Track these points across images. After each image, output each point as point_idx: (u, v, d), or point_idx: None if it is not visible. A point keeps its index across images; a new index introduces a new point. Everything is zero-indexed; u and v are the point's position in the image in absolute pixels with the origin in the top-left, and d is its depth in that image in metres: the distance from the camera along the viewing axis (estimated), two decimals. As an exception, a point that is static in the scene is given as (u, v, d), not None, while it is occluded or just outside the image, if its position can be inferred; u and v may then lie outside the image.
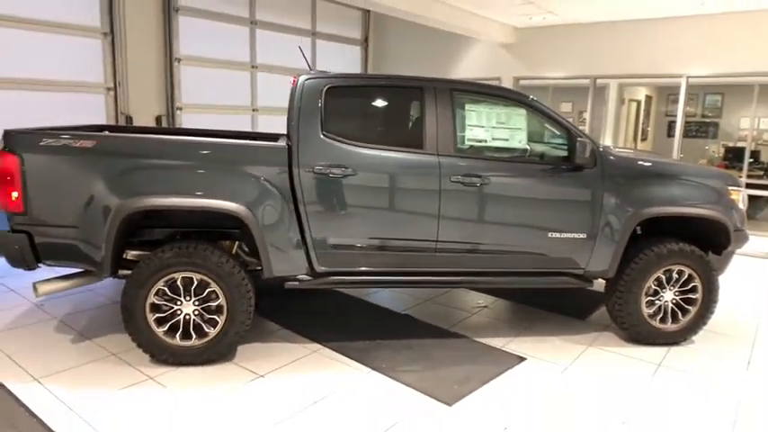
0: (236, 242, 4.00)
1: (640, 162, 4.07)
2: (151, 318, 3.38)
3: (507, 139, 3.82)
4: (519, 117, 3.82)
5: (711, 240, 4.08)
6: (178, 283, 3.38)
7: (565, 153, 3.80)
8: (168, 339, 3.42)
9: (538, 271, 3.89)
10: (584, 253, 3.84)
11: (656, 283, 3.94)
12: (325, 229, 3.55)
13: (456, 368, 3.58)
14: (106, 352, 3.63)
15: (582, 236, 3.81)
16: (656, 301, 3.98)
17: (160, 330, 3.40)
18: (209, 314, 3.44)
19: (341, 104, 3.63)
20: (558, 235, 3.79)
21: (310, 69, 4.09)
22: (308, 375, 3.42)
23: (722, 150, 10.76)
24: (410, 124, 3.74)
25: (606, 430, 2.94)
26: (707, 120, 11.24)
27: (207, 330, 3.44)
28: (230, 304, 3.43)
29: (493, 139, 3.81)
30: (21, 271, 3.54)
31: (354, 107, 3.83)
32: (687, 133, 10.37)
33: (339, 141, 3.53)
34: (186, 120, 7.06)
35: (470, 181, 3.62)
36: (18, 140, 3.26)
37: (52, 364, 3.42)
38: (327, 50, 8.99)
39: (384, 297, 4.92)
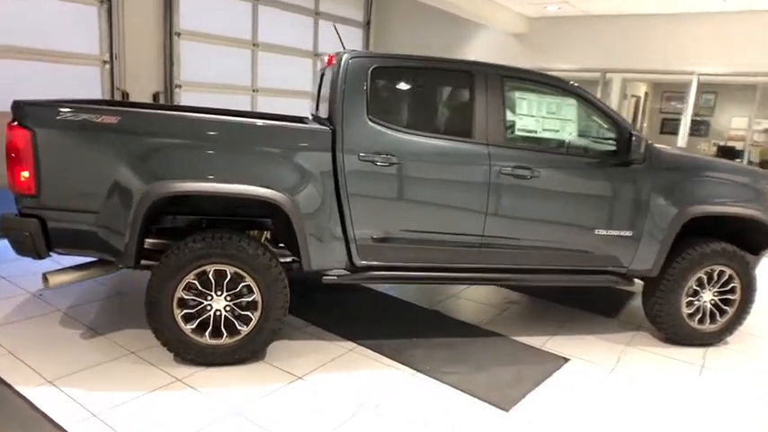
0: (264, 232, 3.73)
1: (687, 159, 3.95)
2: (178, 314, 3.08)
3: (558, 131, 3.63)
4: (569, 108, 3.63)
5: (749, 240, 4.01)
6: (210, 276, 3.09)
7: (612, 147, 3.64)
8: (196, 337, 3.13)
9: (581, 269, 3.74)
10: (628, 251, 3.71)
11: (696, 283, 3.86)
12: (368, 221, 3.30)
13: (502, 369, 3.41)
14: (123, 350, 3.31)
15: (628, 233, 3.67)
16: (695, 302, 3.90)
17: (188, 328, 3.11)
18: (241, 310, 3.16)
19: (387, 87, 3.38)
20: (604, 232, 3.64)
21: (343, 48, 3.81)
22: (349, 377, 3.19)
23: (714, 149, 10.90)
24: (459, 111, 3.50)
25: (671, 438, 2.83)
26: (699, 118, 11.37)
27: (239, 328, 3.16)
28: (266, 300, 3.15)
29: (543, 129, 3.61)
30: (13, 257, 3.18)
31: (401, 90, 3.57)
32: (677, 131, 10.45)
33: (386, 127, 3.28)
34: (185, 99, 6.65)
35: (520, 173, 3.42)
36: (30, 113, 2.89)
37: (66, 364, 3.08)
38: (329, 31, 8.62)
39: (407, 291, 4.71)
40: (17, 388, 2.82)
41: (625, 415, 3.01)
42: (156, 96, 6.41)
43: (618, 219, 3.65)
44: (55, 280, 3.11)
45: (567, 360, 3.59)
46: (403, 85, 3.55)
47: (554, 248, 3.62)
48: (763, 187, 3.97)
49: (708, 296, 3.90)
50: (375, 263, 3.38)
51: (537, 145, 3.58)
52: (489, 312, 4.38)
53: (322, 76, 4.04)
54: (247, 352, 3.21)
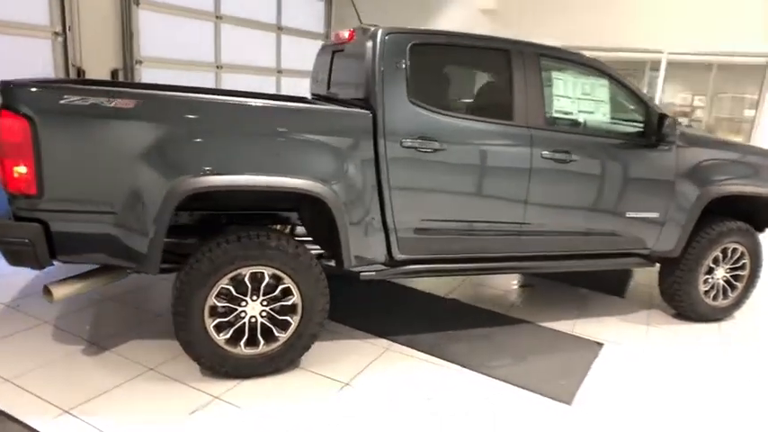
0: (287, 227, 3.41)
1: (708, 139, 3.99)
2: (210, 324, 2.74)
3: (592, 112, 3.53)
4: (602, 89, 3.53)
5: (756, 218, 4.14)
6: (246, 279, 2.76)
7: (641, 128, 3.60)
8: (230, 348, 2.80)
9: (610, 253, 3.72)
10: (654, 233, 3.71)
11: (712, 261, 3.95)
12: (409, 211, 3.07)
13: (545, 359, 3.33)
14: (139, 366, 2.92)
15: (655, 215, 3.68)
16: (709, 279, 3.99)
17: (221, 338, 2.77)
18: (279, 315, 2.86)
19: (426, 66, 3.11)
20: (634, 214, 3.62)
21: (361, 23, 3.50)
22: (398, 380, 2.98)
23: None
24: (499, 92, 3.30)
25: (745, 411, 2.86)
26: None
27: (277, 335, 2.86)
28: (306, 302, 2.87)
29: (579, 111, 3.50)
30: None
31: (440, 69, 3.30)
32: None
33: (427, 110, 3.03)
34: (146, 76, 6.01)
35: (561, 157, 3.30)
36: (28, 98, 2.40)
37: (79, 389, 2.67)
38: (292, 4, 8.11)
39: (418, 280, 4.52)
40: (31, 423, 2.40)
41: (686, 398, 3.02)
42: (114, 73, 5.74)
43: (647, 200, 3.64)
44: (59, 292, 2.67)
45: (600, 345, 3.56)
46: (442, 64, 3.29)
47: (588, 233, 3.55)
48: None
49: (721, 273, 4.01)
50: (415, 256, 3.17)
51: (573, 127, 3.46)
52: (507, 298, 4.30)
53: (333, 53, 3.72)
54: (286, 360, 2.93)
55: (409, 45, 3.02)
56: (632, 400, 2.96)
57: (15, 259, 2.56)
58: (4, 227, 2.49)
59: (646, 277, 4.88)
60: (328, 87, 3.79)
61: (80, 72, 5.35)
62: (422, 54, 3.05)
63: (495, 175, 3.20)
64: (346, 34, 3.40)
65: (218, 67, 7.03)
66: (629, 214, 3.61)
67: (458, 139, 3.07)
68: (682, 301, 3.96)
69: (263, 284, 2.79)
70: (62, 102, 2.40)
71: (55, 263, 2.62)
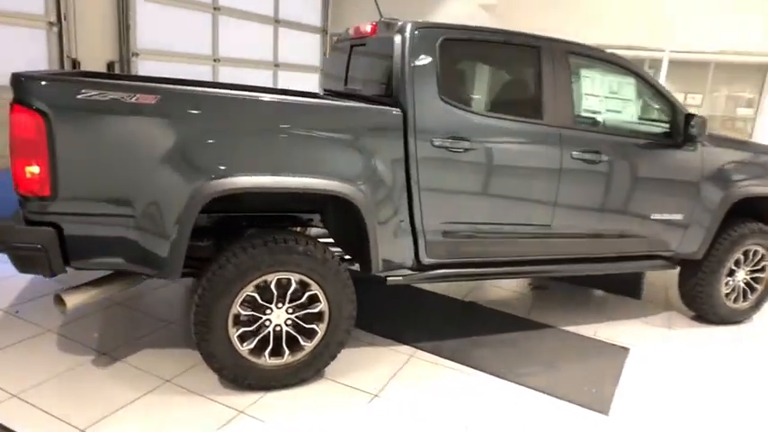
0: (306, 229, 3.26)
1: (731, 140, 3.92)
2: (234, 333, 2.58)
3: (620, 111, 3.44)
4: (629, 87, 3.44)
5: None
6: (272, 286, 2.61)
7: (665, 128, 3.52)
8: (254, 359, 2.65)
9: (634, 255, 3.64)
10: (678, 235, 3.65)
11: (733, 263, 3.90)
12: (438, 213, 2.94)
13: (573, 366, 3.23)
14: (155, 378, 2.75)
15: (679, 217, 3.61)
16: (730, 282, 3.95)
17: (245, 348, 2.62)
18: (305, 323, 2.71)
19: (456, 62, 2.98)
20: (659, 216, 3.55)
21: (381, 17, 3.36)
22: (428, 390, 2.86)
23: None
24: (530, 90, 3.19)
25: None
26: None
27: (303, 344, 2.72)
28: (334, 309, 2.73)
29: (607, 110, 3.40)
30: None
31: (470, 66, 3.18)
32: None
33: (459, 108, 2.90)
34: (143, 68, 5.78)
35: (590, 157, 3.20)
36: (43, 92, 2.22)
37: (94, 405, 2.48)
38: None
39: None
40: (44, 443, 2.23)
41: (723, 406, 2.95)
42: (110, 65, 5.50)
43: (672, 202, 3.57)
44: (73, 301, 2.48)
45: (627, 350, 3.48)
46: (472, 61, 3.16)
47: (614, 235, 3.47)
48: None
49: (741, 275, 3.97)
50: (443, 260, 3.05)
51: (602, 126, 3.36)
52: (524, 301, 4.20)
53: (352, 47, 3.57)
54: (312, 370, 2.78)
55: (440, 40, 2.88)
56: (669, 408, 2.88)
57: (25, 266, 2.38)
58: (14, 231, 2.30)
59: (658, 278, 4.84)
60: (346, 83, 3.64)
61: (75, 64, 5.11)
62: (452, 50, 2.92)
63: (525, 176, 3.09)
64: (368, 28, 3.26)
65: (215, 60, 6.81)
66: (655, 216, 3.53)
67: (489, 138, 2.95)
68: (703, 304, 3.90)
69: (290, 291, 2.64)
70: (80, 96, 2.22)
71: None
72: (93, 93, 2.23)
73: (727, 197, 3.65)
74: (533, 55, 3.11)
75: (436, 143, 2.83)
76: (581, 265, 3.48)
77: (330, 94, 3.78)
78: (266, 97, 2.63)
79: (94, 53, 5.28)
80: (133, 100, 2.28)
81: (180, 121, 2.36)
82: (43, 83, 2.24)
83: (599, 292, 4.45)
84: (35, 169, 2.23)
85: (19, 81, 2.24)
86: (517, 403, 2.81)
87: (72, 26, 5.00)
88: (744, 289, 4.00)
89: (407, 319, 3.68)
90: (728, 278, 3.91)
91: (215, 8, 6.62)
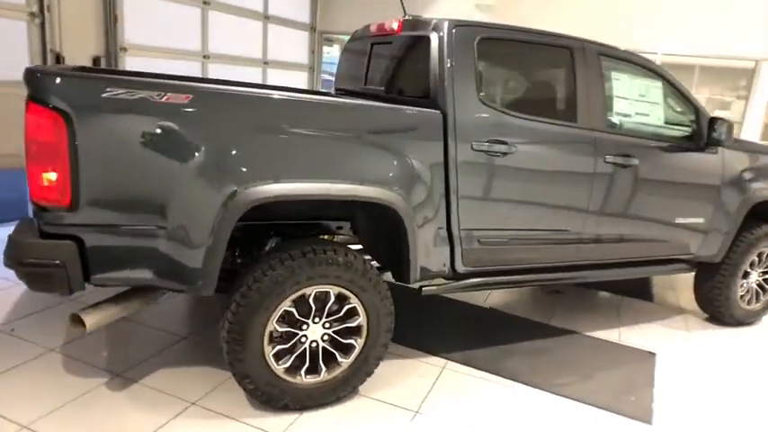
0: (334, 237, 3.09)
1: (748, 143, 3.93)
2: (270, 352, 2.40)
3: (648, 115, 3.38)
4: (656, 90, 3.39)
5: None
6: (310, 300, 2.43)
7: (688, 131, 3.50)
8: (289, 378, 2.47)
9: (656, 259, 3.60)
10: (698, 238, 3.63)
11: (749, 265, 3.91)
12: (476, 219, 2.82)
13: (605, 373, 3.16)
14: (180, 401, 2.53)
15: (700, 220, 3.59)
16: (744, 284, 3.96)
17: (281, 367, 2.44)
18: (343, 338, 2.55)
19: (493, 62, 2.86)
20: (683, 220, 3.52)
21: (405, 15, 3.22)
22: (467, 403, 2.73)
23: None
24: (563, 92, 3.09)
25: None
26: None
27: (340, 360, 2.55)
28: (372, 323, 2.57)
29: (636, 113, 3.34)
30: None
31: (507, 66, 3.06)
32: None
33: (497, 110, 2.79)
34: (130, 64, 5.46)
35: (622, 161, 3.13)
36: (64, 90, 1.98)
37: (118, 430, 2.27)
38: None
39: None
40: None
41: (763, 408, 2.93)
42: (96, 61, 5.17)
43: (695, 205, 3.55)
44: (92, 321, 2.25)
45: (653, 355, 3.44)
46: (508, 61, 3.04)
47: (641, 239, 3.42)
48: None
49: (755, 277, 3.99)
50: (478, 268, 2.92)
51: (631, 130, 3.30)
52: (541, 305, 4.12)
53: (372, 45, 3.42)
54: (349, 387, 2.62)
55: (477, 39, 2.75)
56: (710, 415, 2.84)
57: (40, 284, 2.14)
58: (27, 246, 2.06)
59: (663, 279, 4.85)
60: (365, 83, 3.48)
61: (59, 58, 4.77)
62: (489, 49, 2.80)
63: (560, 181, 3.00)
64: (394, 25, 3.10)
65: (204, 56, 6.52)
66: (679, 220, 3.50)
67: (526, 141, 2.84)
68: (720, 306, 3.91)
69: (328, 305, 2.47)
70: (105, 95, 2.00)
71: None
72: (119, 91, 2.01)
73: (746, 200, 3.66)
74: (567, 56, 3.02)
75: (476, 147, 2.70)
76: (609, 271, 3.42)
77: (345, 93, 3.60)
78: (307, 97, 2.45)
79: (79, 47, 4.94)
80: (163, 99, 2.07)
81: (215, 123, 2.16)
82: (64, 79, 2.01)
83: (611, 295, 4.42)
84: (53, 176, 2.00)
85: (34, 77, 2.00)
86: (560, 415, 2.72)
87: (56, 18, 4.66)
88: (756, 290, 4.03)
89: (432, 328, 3.54)
90: (743, 280, 3.93)
91: (204, 2, 6.33)
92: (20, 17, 4.44)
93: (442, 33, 2.71)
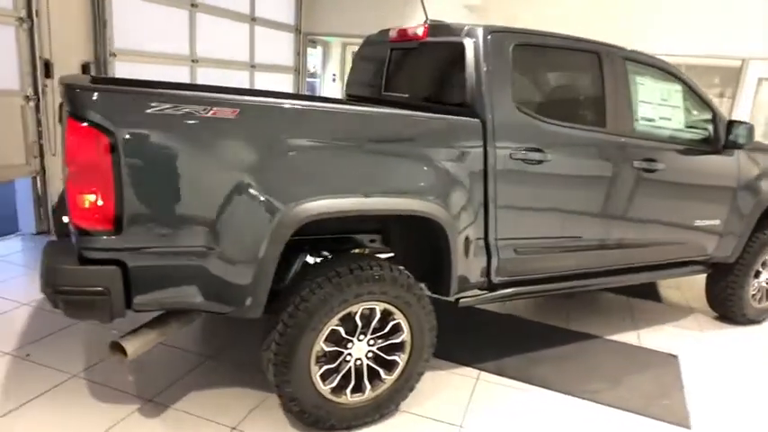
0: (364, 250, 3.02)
1: (760, 144, 3.99)
2: (316, 372, 2.32)
3: (670, 119, 3.41)
4: (677, 94, 3.43)
5: None
6: (356, 318, 2.36)
7: (705, 134, 3.54)
8: (335, 398, 2.40)
9: (674, 262, 3.64)
10: (714, 239, 3.69)
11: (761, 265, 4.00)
12: (513, 228, 2.79)
13: (634, 377, 3.18)
14: (220, 426, 2.43)
15: (717, 222, 3.65)
16: (755, 283, 4.05)
17: (327, 388, 2.36)
18: (387, 355, 2.48)
19: (527, 69, 2.83)
20: (701, 222, 3.57)
21: (426, 19, 3.17)
22: (509, 415, 2.71)
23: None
24: (593, 98, 3.09)
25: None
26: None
27: (384, 377, 2.49)
28: (416, 338, 2.52)
29: (659, 117, 3.36)
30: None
31: (540, 73, 3.04)
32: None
33: (533, 117, 2.76)
34: (120, 70, 5.25)
35: (648, 166, 3.16)
36: (105, 105, 1.86)
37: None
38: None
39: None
40: None
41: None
42: (86, 67, 4.95)
43: (713, 208, 3.61)
44: (133, 347, 2.13)
45: (675, 357, 3.48)
46: (541, 67, 3.02)
47: (664, 243, 3.46)
48: None
49: (765, 276, 4.08)
50: (512, 278, 2.90)
51: (655, 134, 3.32)
52: (557, 310, 4.12)
53: (392, 51, 3.36)
54: (392, 405, 2.56)
55: (512, 45, 2.73)
56: (745, 417, 2.88)
57: (81, 313, 2.02)
58: (69, 273, 1.93)
59: (668, 280, 4.92)
60: (384, 89, 3.42)
61: (48, 65, 4.56)
62: (523, 55, 2.77)
63: (593, 187, 3.00)
64: (419, 31, 3.05)
65: (193, 61, 6.33)
66: (698, 222, 3.55)
67: (560, 149, 2.83)
68: (733, 306, 3.98)
69: (375, 322, 2.41)
70: (149, 111, 1.89)
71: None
72: (164, 106, 1.91)
73: (761, 201, 3.74)
74: (595, 61, 3.02)
75: (513, 155, 2.67)
76: (634, 275, 3.44)
77: (360, 100, 3.53)
78: (356, 109, 2.37)
79: (68, 52, 4.71)
80: (209, 114, 1.98)
81: (263, 137, 2.07)
82: (106, 94, 1.89)
83: (619, 297, 4.46)
84: (96, 198, 1.88)
85: (74, 92, 1.88)
86: (599, 422, 2.72)
87: (45, 23, 4.44)
88: (766, 289, 4.12)
89: (455, 337, 3.50)
90: (754, 279, 4.01)
91: (192, 4, 6.14)
92: (8, 22, 4.21)
93: (477, 40, 2.67)
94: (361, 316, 2.37)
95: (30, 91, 4.43)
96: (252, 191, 2.04)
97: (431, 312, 2.54)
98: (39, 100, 4.49)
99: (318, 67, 11.36)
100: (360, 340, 2.41)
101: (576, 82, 3.17)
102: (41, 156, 4.62)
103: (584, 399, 2.90)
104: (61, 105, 2.64)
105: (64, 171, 1.92)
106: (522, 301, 4.22)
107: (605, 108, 3.02)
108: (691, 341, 3.76)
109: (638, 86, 3.22)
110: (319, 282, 2.25)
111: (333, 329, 2.31)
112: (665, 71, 3.36)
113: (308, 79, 9.95)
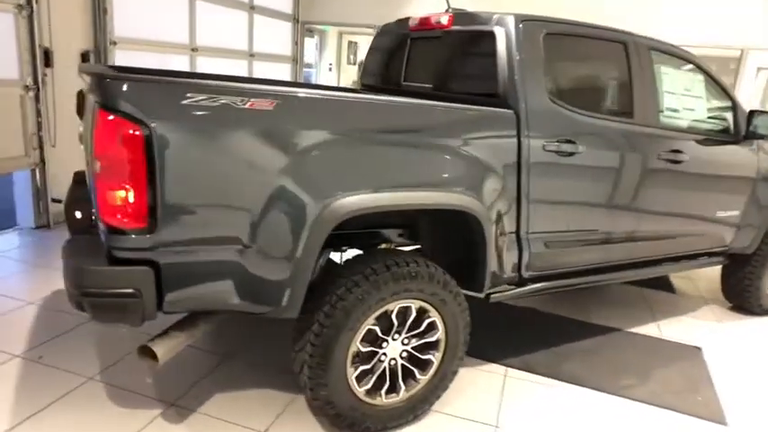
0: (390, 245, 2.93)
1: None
2: (352, 374, 2.23)
3: (693, 109, 3.36)
4: (699, 84, 3.37)
5: None
6: (392, 316, 2.28)
7: (725, 125, 3.50)
8: (370, 400, 2.32)
9: (695, 253, 3.61)
10: (734, 230, 3.66)
11: (774, 255, 3.99)
12: (544, 222, 2.72)
13: (662, 372, 3.14)
14: (244, 430, 2.34)
15: (736, 212, 3.62)
16: None
17: (362, 389, 2.28)
18: (421, 354, 2.40)
19: (558, 58, 2.74)
20: (722, 213, 3.54)
21: (448, 8, 3.07)
22: (543, 413, 2.65)
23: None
24: (622, 88, 3.01)
25: None
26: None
27: (419, 377, 2.41)
28: (451, 336, 2.44)
29: (683, 108, 3.31)
30: None
31: (570, 63, 2.95)
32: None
33: (565, 108, 2.68)
34: (120, 58, 5.08)
35: (674, 157, 3.10)
36: (139, 96, 1.74)
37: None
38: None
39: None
40: None
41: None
42: (85, 55, 4.77)
43: (733, 198, 3.57)
44: (163, 350, 2.03)
45: (699, 349, 3.46)
46: (572, 57, 2.93)
47: (688, 234, 3.42)
48: None
49: (777, 266, 4.08)
50: (541, 272, 2.83)
51: (679, 125, 3.27)
52: (575, 302, 4.06)
53: (412, 40, 3.26)
54: (426, 405, 2.49)
55: (543, 34, 2.64)
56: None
57: (111, 316, 1.91)
58: (99, 275, 1.82)
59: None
60: (404, 79, 3.32)
61: (48, 53, 4.38)
62: (553, 45, 2.68)
63: (622, 179, 2.93)
64: (443, 20, 2.95)
65: (193, 49, 6.15)
66: (720, 213, 3.52)
67: (592, 140, 2.76)
68: (750, 296, 3.97)
69: (410, 320, 2.32)
70: (185, 102, 1.77)
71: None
72: (200, 97, 1.79)
73: (779, 191, 3.71)
74: (622, 51, 2.95)
75: (546, 147, 2.59)
76: (659, 267, 3.41)
77: (377, 90, 3.43)
78: (394, 100, 2.27)
79: (68, 41, 4.53)
80: (247, 105, 1.86)
81: (302, 130, 1.96)
82: (140, 84, 1.77)
83: (634, 288, 4.42)
84: (129, 194, 1.76)
85: (105, 81, 1.76)
86: (635, 419, 2.67)
87: (44, 10, 4.25)
88: (778, 279, 4.12)
89: (480, 332, 3.42)
90: None
91: (191, -10, 5.97)
92: (6, 9, 4.02)
93: (508, 28, 2.57)
94: (397, 314, 2.29)
95: (29, 80, 4.25)
96: (290, 185, 1.94)
97: (465, 309, 2.46)
98: (38, 90, 4.32)
99: (315, 57, 11.19)
100: (394, 339, 2.33)
101: (605, 72, 3.09)
102: (41, 147, 4.45)
103: (617, 395, 2.85)
104: (80, 94, 2.51)
105: (92, 165, 1.80)
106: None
107: (633, 98, 2.96)
108: (710, 332, 3.74)
109: (663, 76, 3.15)
110: (356, 280, 2.15)
111: (369, 329, 2.23)
112: (688, 61, 3.30)
113: (304, 69, 9.79)
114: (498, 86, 2.57)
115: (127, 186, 1.76)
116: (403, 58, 3.32)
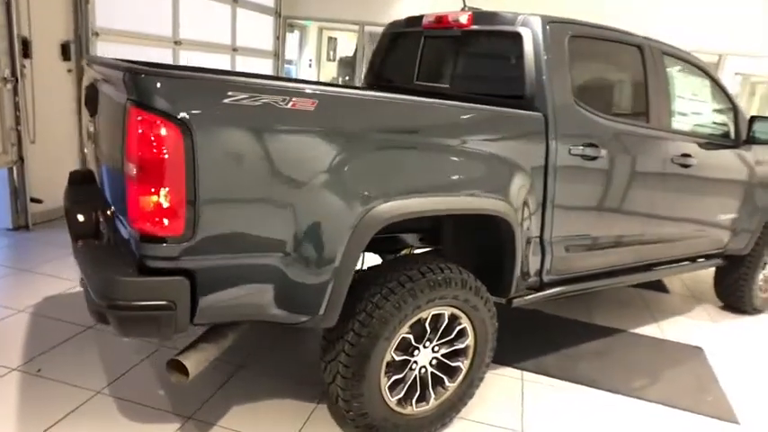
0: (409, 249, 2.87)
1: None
2: (385, 384, 2.16)
3: (700, 114, 3.41)
4: (705, 89, 3.43)
5: None
6: (426, 324, 2.22)
7: (726, 129, 3.58)
8: (401, 409, 2.25)
9: (696, 255, 3.68)
10: (731, 232, 3.75)
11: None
12: (567, 225, 2.70)
13: (670, 372, 3.19)
14: (273, 443, 2.24)
15: (734, 215, 3.71)
16: (763, 274, 4.16)
17: (394, 399, 2.21)
18: (450, 361, 2.35)
19: (582, 61, 2.73)
20: (722, 216, 3.62)
21: (464, 6, 3.03)
22: (566, 417, 2.64)
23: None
24: (638, 92, 3.02)
25: None
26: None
27: (448, 384, 2.36)
28: (480, 342, 2.40)
29: (691, 112, 3.35)
30: None
31: (593, 66, 2.93)
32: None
33: (590, 112, 2.67)
34: (102, 50, 4.83)
35: (684, 162, 3.14)
36: (178, 93, 1.62)
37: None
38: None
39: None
40: None
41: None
42: (65, 46, 4.51)
43: (733, 201, 3.66)
44: (194, 364, 1.90)
45: (701, 349, 3.53)
46: (594, 60, 2.92)
47: (692, 237, 3.48)
48: None
49: (768, 267, 4.21)
50: (561, 276, 2.82)
51: (689, 129, 3.32)
52: (577, 303, 4.09)
53: (425, 38, 3.20)
54: (454, 413, 2.44)
55: (568, 36, 2.62)
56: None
57: (141, 329, 1.77)
58: (131, 286, 1.68)
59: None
60: (417, 78, 3.26)
61: (27, 43, 4.12)
62: (578, 47, 2.66)
63: (640, 183, 2.94)
64: (462, 18, 2.90)
65: (175, 42, 5.92)
66: (720, 216, 3.60)
67: (614, 144, 2.76)
68: (743, 296, 4.08)
69: (442, 327, 2.27)
70: (226, 101, 1.66)
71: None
72: (242, 96, 1.68)
73: (773, 195, 3.82)
74: (639, 54, 2.97)
75: (572, 150, 2.58)
76: (663, 269, 3.45)
77: (386, 89, 3.35)
78: (436, 102, 2.19)
79: (48, 31, 4.27)
80: (289, 106, 1.76)
81: (344, 132, 1.88)
82: (179, 81, 1.65)
83: (629, 288, 4.49)
84: (165, 199, 1.64)
85: (137, 77, 1.62)
86: (653, 420, 2.70)
87: (23, -1, 4.00)
88: (769, 280, 4.26)
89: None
90: (762, 271, 4.13)
91: (174, -20, 5.73)
92: (-17, -5, 3.77)
93: (535, 30, 2.54)
94: (430, 321, 2.23)
95: (7, 72, 3.98)
96: (334, 189, 1.85)
97: (494, 315, 2.43)
98: (17, 82, 4.05)
99: (295, 53, 10.99)
100: (425, 347, 2.27)
101: (624, 75, 3.11)
102: (20, 144, 4.18)
103: (632, 397, 2.88)
104: (90, 87, 2.34)
105: (125, 168, 1.66)
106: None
107: (648, 102, 2.98)
108: (707, 332, 3.82)
109: (674, 81, 3.19)
110: (391, 287, 2.08)
111: (403, 337, 2.16)
112: (696, 66, 3.36)
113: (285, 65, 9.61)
114: (525, 88, 2.54)
115: (163, 191, 1.64)
116: (416, 57, 3.26)
